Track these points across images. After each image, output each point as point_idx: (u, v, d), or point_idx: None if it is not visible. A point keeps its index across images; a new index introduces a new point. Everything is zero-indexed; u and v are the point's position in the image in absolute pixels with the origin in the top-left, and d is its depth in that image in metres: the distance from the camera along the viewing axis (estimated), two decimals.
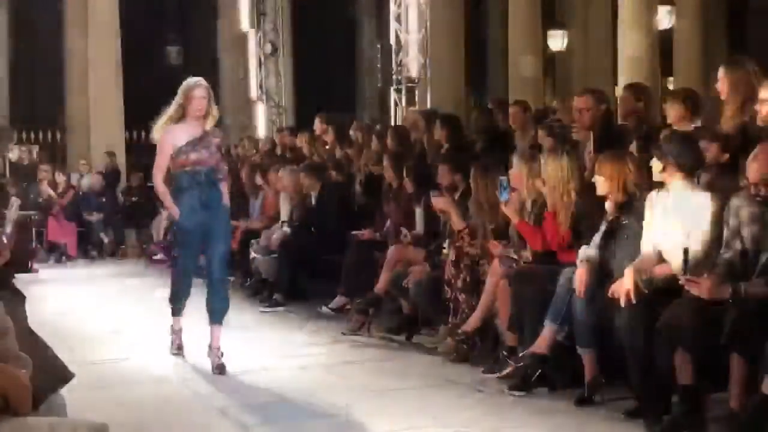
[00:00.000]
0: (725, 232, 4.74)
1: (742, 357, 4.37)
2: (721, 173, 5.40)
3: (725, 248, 4.71)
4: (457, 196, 7.13)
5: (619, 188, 5.40)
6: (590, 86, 8.96)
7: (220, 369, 6.43)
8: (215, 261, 6.61)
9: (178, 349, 7.04)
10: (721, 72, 5.87)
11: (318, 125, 11.59)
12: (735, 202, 4.72)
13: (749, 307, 4.32)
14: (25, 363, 2.95)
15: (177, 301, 6.99)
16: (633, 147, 6.11)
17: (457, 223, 6.83)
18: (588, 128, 6.77)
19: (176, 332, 7.11)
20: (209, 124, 6.62)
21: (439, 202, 7.01)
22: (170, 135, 6.62)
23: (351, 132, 11.03)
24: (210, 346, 6.62)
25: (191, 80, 6.63)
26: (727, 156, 5.47)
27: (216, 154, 6.63)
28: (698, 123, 6.26)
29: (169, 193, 6.63)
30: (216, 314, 6.71)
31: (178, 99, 6.61)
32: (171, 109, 6.65)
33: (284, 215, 10.06)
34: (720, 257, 4.71)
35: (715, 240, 4.83)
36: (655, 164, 5.08)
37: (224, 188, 6.74)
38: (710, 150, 5.39)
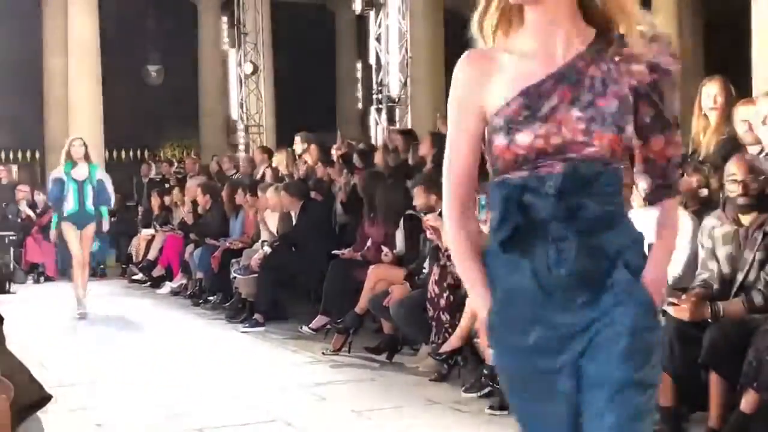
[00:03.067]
0: (700, 253, 4.77)
1: (720, 376, 4.38)
2: (701, 207, 5.43)
3: (701, 269, 4.74)
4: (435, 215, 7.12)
5: None
6: None
7: None
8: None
9: None
10: (717, 88, 5.89)
11: (299, 144, 11.60)
12: (708, 222, 4.76)
13: (726, 326, 4.34)
14: (5, 388, 2.93)
15: None
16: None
17: (446, 241, 6.83)
18: None
19: None
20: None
21: (429, 219, 7.01)
22: (475, 76, 2.29)
23: (332, 151, 11.05)
24: None
25: None
26: (706, 192, 5.51)
27: (611, 127, 2.13)
28: None
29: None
30: None
31: None
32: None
33: (265, 235, 10.04)
34: (697, 278, 4.74)
35: (693, 260, 4.86)
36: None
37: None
38: (691, 182, 5.45)
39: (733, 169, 4.67)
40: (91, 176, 10.40)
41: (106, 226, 10.91)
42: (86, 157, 10.39)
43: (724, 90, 5.88)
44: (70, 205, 10.28)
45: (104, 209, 10.65)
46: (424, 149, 9.12)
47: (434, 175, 7.82)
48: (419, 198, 7.37)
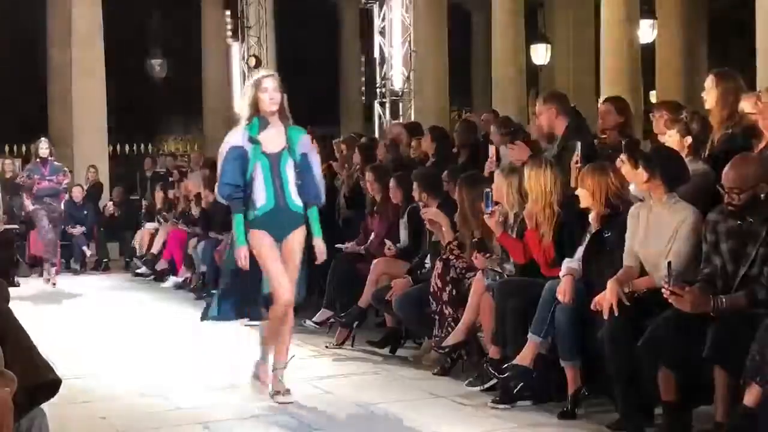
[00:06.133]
0: (704, 247, 4.77)
1: (724, 370, 4.39)
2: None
3: (704, 263, 4.74)
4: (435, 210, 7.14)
5: (601, 201, 5.43)
6: (575, 100, 8.98)
7: None
8: None
9: None
10: (709, 82, 5.89)
11: None
12: (712, 217, 4.75)
13: (730, 321, 4.34)
14: (8, 380, 2.92)
15: None
16: (621, 159, 6.14)
17: (447, 234, 6.83)
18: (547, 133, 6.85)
19: None
20: None
21: (430, 213, 7.02)
22: None
23: (336, 145, 11.03)
24: None
25: None
26: (690, 140, 5.53)
27: None
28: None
29: None
30: None
31: None
32: None
33: None
34: (700, 272, 4.73)
35: (696, 253, 4.86)
36: (640, 175, 5.10)
37: None
38: (674, 135, 5.52)
39: (726, 176, 4.65)
40: (291, 146, 5.83)
41: (319, 247, 6.04)
42: (282, 114, 5.88)
43: (717, 86, 5.86)
44: (260, 199, 5.75)
45: (314, 211, 5.98)
46: (425, 145, 9.10)
47: (430, 173, 7.81)
48: (415, 193, 7.39)
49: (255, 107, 5.78)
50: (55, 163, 12.78)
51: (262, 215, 5.72)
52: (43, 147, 12.55)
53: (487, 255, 6.38)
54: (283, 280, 5.71)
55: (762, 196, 4.52)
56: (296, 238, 5.87)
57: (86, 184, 16.17)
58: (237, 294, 5.97)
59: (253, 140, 5.71)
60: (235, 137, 5.77)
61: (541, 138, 7.05)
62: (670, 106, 6.39)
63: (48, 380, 3.25)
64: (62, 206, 12.96)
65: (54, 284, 12.33)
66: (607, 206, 5.44)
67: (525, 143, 7.14)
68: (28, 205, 12.63)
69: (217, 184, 5.87)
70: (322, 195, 6.03)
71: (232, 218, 5.77)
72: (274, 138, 5.77)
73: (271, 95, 5.76)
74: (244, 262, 5.70)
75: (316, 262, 6.14)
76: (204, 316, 6.19)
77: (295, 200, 5.80)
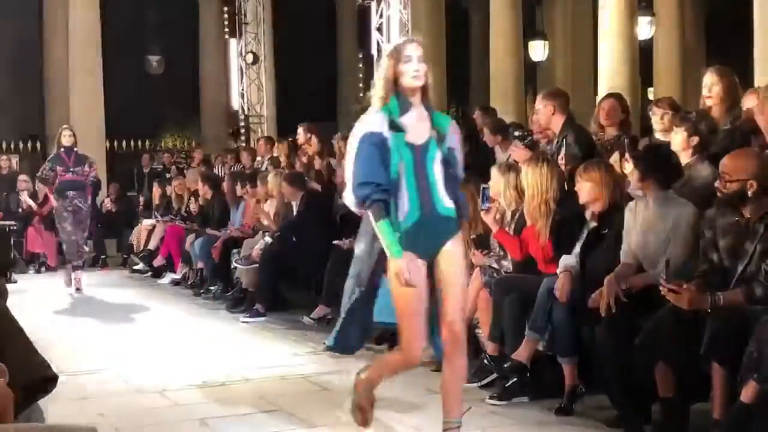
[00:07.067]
0: (701, 244, 4.77)
1: (721, 366, 4.39)
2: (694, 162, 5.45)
3: (702, 260, 4.74)
4: None
5: (607, 194, 5.42)
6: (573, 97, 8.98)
7: None
8: None
9: None
10: (713, 78, 5.88)
11: (301, 135, 11.60)
12: (709, 213, 4.76)
13: (727, 318, 4.34)
14: (0, 371, 2.91)
15: None
16: (616, 156, 6.14)
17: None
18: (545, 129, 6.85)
19: None
20: None
21: None
22: None
23: (334, 142, 11.03)
24: None
25: None
26: (697, 140, 5.51)
27: None
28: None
29: None
30: None
31: None
32: None
33: (266, 225, 10.04)
34: (697, 269, 4.73)
35: (693, 250, 4.86)
36: (634, 173, 5.12)
37: None
38: (681, 133, 5.53)
39: (723, 161, 4.66)
40: (439, 135, 4.40)
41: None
42: (425, 93, 4.44)
43: (721, 82, 5.86)
44: (404, 206, 4.31)
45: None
46: None
47: None
48: None
49: (392, 82, 4.37)
50: (80, 152, 11.65)
51: (406, 229, 4.28)
52: (67, 134, 11.43)
53: (485, 252, 6.38)
54: (416, 343, 4.50)
55: (749, 193, 4.51)
56: (454, 252, 4.43)
57: None
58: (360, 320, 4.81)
59: (395, 126, 4.30)
60: (372, 121, 4.34)
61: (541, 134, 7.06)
62: (674, 104, 6.40)
63: (45, 377, 3.24)
64: (88, 202, 11.70)
65: (78, 289, 11.44)
66: (611, 200, 5.44)
67: (526, 146, 7.16)
68: (52, 200, 11.98)
69: (347, 186, 4.45)
70: (467, 207, 4.68)
71: (374, 227, 4.29)
72: (417, 124, 4.36)
73: (416, 67, 4.35)
74: (410, 275, 4.24)
75: None
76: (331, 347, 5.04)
77: (445, 202, 4.37)
